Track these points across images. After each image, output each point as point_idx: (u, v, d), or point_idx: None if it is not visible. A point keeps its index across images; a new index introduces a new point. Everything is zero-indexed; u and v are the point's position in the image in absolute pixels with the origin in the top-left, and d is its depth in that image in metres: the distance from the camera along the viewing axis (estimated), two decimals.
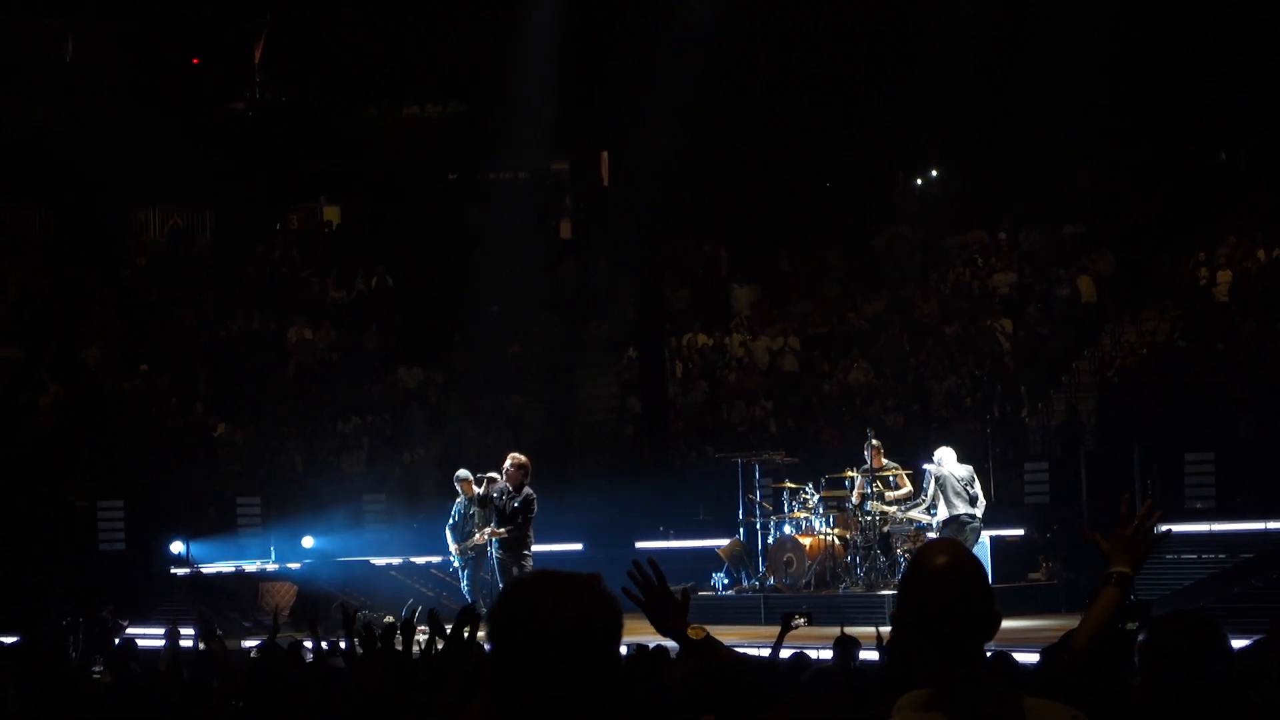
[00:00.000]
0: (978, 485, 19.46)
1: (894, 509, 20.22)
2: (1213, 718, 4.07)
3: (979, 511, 19.23)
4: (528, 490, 18.65)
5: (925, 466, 19.70)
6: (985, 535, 20.07)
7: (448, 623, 3.92)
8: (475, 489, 20.45)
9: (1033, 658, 12.34)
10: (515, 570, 18.42)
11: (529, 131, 32.24)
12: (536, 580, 3.31)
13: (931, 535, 19.49)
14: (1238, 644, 4.35)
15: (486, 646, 3.34)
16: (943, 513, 19.23)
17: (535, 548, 19.51)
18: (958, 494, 19.15)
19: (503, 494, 18.59)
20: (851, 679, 9.20)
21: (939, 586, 3.68)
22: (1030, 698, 3.66)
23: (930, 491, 19.47)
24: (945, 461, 19.41)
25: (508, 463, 18.72)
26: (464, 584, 20.37)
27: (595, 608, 3.25)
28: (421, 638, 3.96)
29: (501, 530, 18.92)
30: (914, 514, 20.09)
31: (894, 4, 30.55)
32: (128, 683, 10.92)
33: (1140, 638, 4.18)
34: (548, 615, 3.22)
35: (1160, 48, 28.18)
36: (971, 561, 3.75)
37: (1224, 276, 26.45)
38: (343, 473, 28.18)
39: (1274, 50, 28.11)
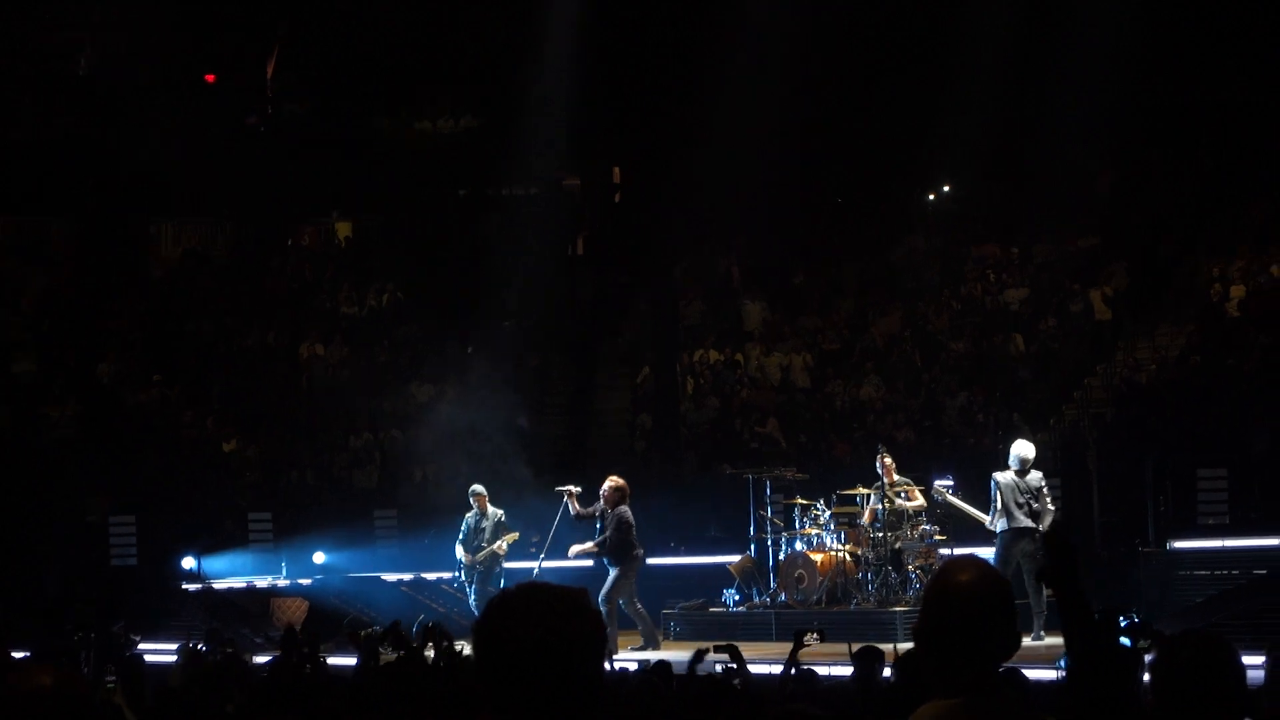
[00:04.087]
0: (1046, 497, 18.29)
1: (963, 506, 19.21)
2: None
3: (1039, 524, 17.89)
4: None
5: (995, 476, 18.38)
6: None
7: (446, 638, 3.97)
8: (488, 504, 20.66)
9: (1044, 674, 12.33)
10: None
11: (542, 146, 32.25)
12: (517, 595, 3.34)
13: (943, 552, 19.40)
14: (1249, 661, 4.33)
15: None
16: (1001, 524, 18.12)
17: (545, 564, 19.86)
18: (1018, 504, 18.01)
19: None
20: (868, 693, 9.19)
21: (964, 602, 3.69)
22: (1048, 717, 3.67)
23: (995, 501, 18.27)
24: (1015, 461, 18.21)
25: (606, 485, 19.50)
26: (471, 598, 20.53)
27: (573, 623, 3.27)
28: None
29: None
30: (979, 515, 18.87)
31: (908, 17, 30.53)
32: (138, 699, 10.92)
33: (1150, 657, 4.17)
34: (525, 631, 3.24)
35: (1174, 60, 28.12)
36: (997, 579, 3.76)
37: (1236, 291, 26.40)
38: (354, 488, 28.20)
39: None
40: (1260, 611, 17.81)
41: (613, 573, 19.06)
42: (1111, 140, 29.17)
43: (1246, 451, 22.41)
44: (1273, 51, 28.20)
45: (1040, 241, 30.13)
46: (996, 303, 29.17)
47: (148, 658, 17.10)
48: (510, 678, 3.23)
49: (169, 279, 33.90)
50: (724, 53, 26.73)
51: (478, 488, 20.98)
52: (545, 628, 3.24)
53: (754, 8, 28.15)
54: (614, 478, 19.59)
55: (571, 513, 19.47)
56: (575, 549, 19.60)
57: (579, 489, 19.56)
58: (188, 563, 24.89)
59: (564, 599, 3.31)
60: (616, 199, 35.33)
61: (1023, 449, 18.38)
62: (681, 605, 21.76)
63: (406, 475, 28.43)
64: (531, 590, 3.34)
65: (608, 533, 19.06)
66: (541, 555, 20.35)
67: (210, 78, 35.61)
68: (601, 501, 19.29)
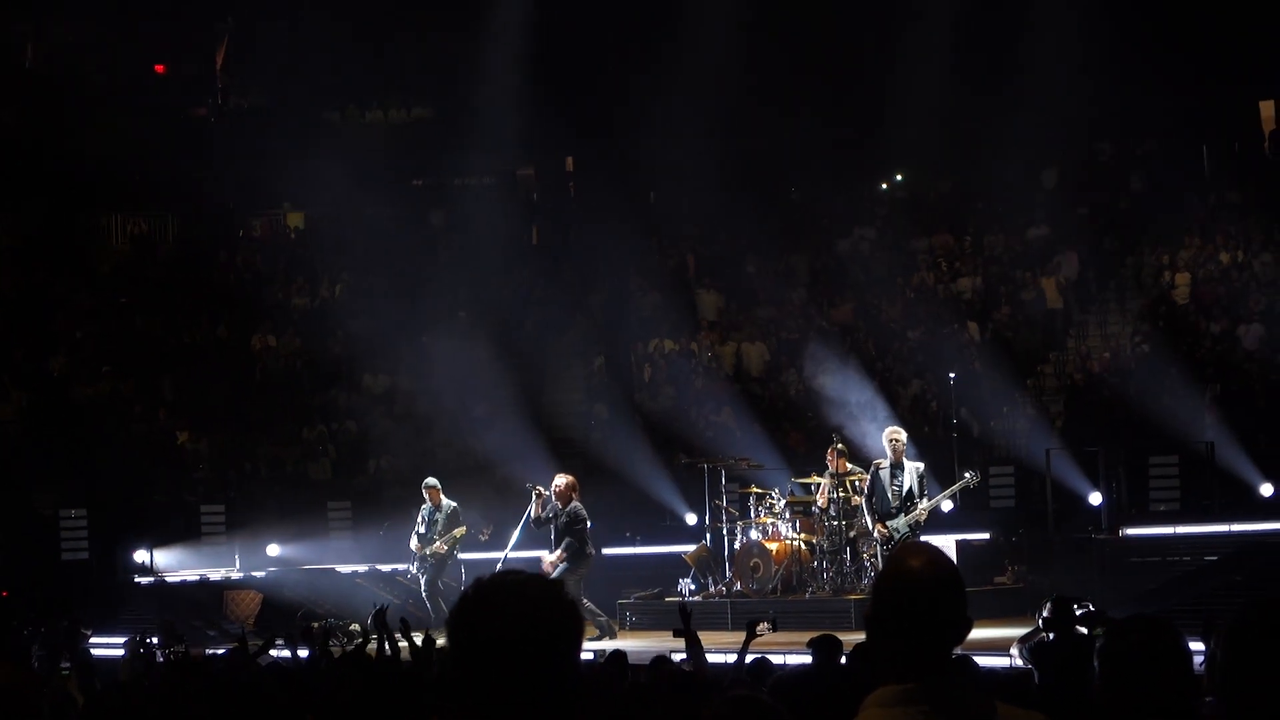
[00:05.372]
0: None
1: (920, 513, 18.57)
2: None
3: None
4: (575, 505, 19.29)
5: (918, 465, 18.51)
6: (952, 539, 19.96)
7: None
8: (442, 497, 20.58)
9: (998, 661, 12.39)
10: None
11: (495, 137, 32.16)
12: (492, 585, 3.30)
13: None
14: (1198, 647, 4.35)
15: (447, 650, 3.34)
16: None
17: (510, 554, 19.85)
18: None
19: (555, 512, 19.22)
20: (826, 682, 9.17)
21: (915, 587, 3.69)
22: (1000, 703, 3.67)
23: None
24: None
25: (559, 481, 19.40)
26: (423, 590, 20.50)
27: (550, 612, 3.24)
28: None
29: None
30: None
31: (861, 9, 30.60)
32: (89, 693, 10.84)
33: (1099, 643, 4.18)
34: (502, 621, 3.20)
35: (1126, 51, 28.26)
36: (948, 564, 3.77)
37: (1182, 279, 26.58)
38: (308, 480, 28.07)
39: (1237, 51, 28.30)
40: (1211, 597, 17.91)
41: (561, 569, 18.94)
42: (1056, 140, 29.33)
43: (1198, 439, 22.51)
44: (1219, 44, 28.43)
45: (991, 231, 30.24)
46: (949, 291, 29.24)
47: (99, 652, 17.03)
48: (487, 668, 3.19)
49: (118, 272, 33.64)
50: (677, 43, 26.71)
51: (431, 481, 20.92)
52: (522, 618, 3.21)
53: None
54: (564, 475, 19.51)
55: (533, 514, 19.30)
56: (549, 563, 19.16)
57: (547, 491, 19.42)
58: (140, 556, 24.75)
59: (540, 588, 3.28)
60: (570, 189, 35.28)
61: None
62: (637, 595, 21.75)
63: (360, 467, 28.33)
64: (507, 580, 3.30)
65: (566, 537, 18.94)
66: (508, 549, 20.21)
67: (160, 69, 35.41)
68: (554, 499, 19.20)
